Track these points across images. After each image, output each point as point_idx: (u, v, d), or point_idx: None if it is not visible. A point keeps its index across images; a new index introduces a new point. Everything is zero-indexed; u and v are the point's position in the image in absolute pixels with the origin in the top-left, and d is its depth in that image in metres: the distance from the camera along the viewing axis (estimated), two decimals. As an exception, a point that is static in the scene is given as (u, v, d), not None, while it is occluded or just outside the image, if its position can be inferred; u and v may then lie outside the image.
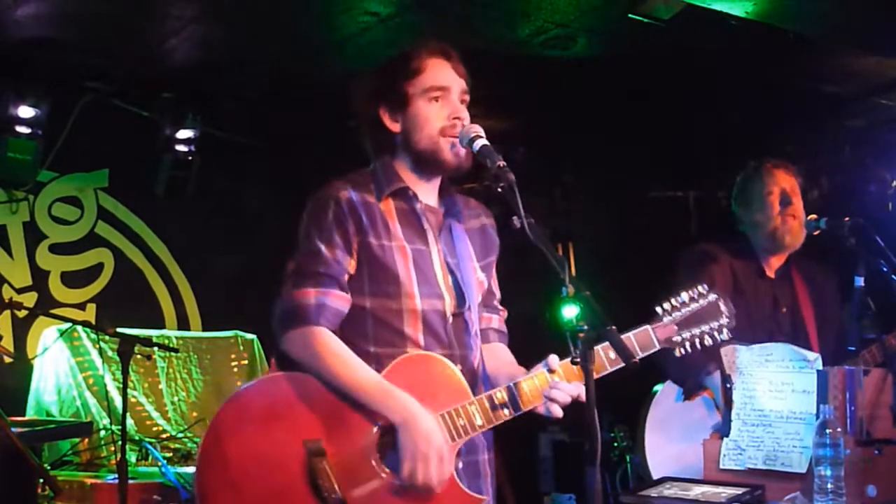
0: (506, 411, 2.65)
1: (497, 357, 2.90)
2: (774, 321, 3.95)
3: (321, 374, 2.61)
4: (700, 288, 2.82)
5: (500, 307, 3.01)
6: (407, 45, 2.82)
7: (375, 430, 2.60)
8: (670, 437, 3.77)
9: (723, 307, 2.83)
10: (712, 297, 2.82)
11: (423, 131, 2.72)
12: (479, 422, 2.63)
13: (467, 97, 2.79)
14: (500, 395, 2.65)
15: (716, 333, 2.81)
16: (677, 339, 2.78)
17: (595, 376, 2.41)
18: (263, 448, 2.56)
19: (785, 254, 4.02)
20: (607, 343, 2.58)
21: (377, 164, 2.82)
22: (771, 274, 4.04)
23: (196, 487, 2.58)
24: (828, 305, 4.04)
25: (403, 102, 2.73)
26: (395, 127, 2.76)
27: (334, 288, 2.66)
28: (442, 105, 2.73)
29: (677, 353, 2.80)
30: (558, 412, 2.65)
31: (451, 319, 2.76)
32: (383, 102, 2.77)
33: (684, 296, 2.81)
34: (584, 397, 2.59)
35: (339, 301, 2.67)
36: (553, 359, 2.67)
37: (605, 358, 2.66)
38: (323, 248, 2.67)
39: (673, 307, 2.80)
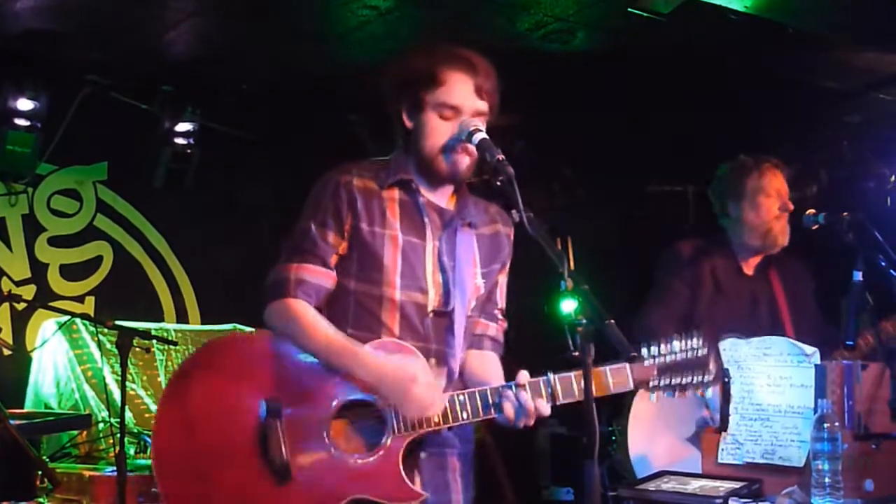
0: (464, 414, 2.65)
1: (484, 365, 2.88)
2: (753, 318, 3.94)
3: (296, 340, 2.68)
4: (694, 340, 2.72)
5: (500, 317, 2.97)
6: (427, 43, 2.83)
7: (335, 403, 2.64)
8: (653, 431, 3.73)
9: (711, 365, 2.71)
10: (703, 351, 2.71)
11: (426, 141, 2.74)
12: (434, 419, 2.63)
13: (483, 118, 2.76)
14: (462, 397, 2.65)
15: (698, 389, 2.73)
16: (654, 382, 2.70)
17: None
18: (224, 396, 2.66)
19: (766, 252, 4.02)
20: (610, 369, 2.62)
21: (393, 154, 2.85)
22: (749, 272, 4.03)
23: (154, 419, 2.70)
24: (803, 302, 4.04)
25: (419, 108, 2.75)
26: (409, 125, 2.79)
27: (317, 264, 2.72)
28: (451, 124, 2.72)
29: (652, 397, 2.75)
30: (511, 414, 2.61)
31: (431, 315, 2.76)
32: (403, 100, 2.79)
33: (675, 344, 2.71)
34: (542, 413, 2.62)
35: (321, 277, 2.72)
36: (522, 374, 2.65)
37: (609, 381, 2.65)
38: (313, 226, 2.73)
39: (659, 352, 2.71)
